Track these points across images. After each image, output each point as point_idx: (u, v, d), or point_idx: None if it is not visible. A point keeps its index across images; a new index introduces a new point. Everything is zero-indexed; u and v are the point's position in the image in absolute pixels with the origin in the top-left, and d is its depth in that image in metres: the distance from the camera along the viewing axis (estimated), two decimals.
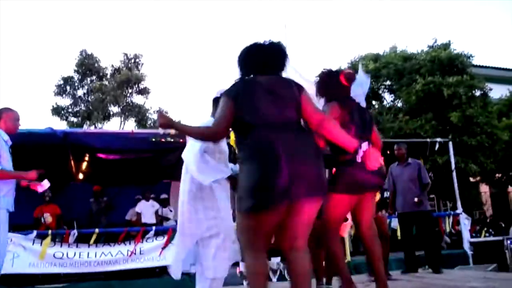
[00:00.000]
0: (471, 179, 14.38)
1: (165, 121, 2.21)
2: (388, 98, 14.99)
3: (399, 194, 5.79)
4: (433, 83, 12.10)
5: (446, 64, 12.59)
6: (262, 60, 2.30)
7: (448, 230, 8.73)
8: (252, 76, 2.30)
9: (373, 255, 2.96)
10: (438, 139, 9.56)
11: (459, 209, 9.05)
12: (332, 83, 3.05)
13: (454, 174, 9.50)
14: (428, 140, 9.54)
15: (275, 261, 6.14)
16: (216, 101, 2.90)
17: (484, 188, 17.60)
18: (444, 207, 15.55)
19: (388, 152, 6.83)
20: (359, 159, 2.22)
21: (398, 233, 6.21)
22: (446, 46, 13.49)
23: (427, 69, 12.67)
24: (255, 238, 2.14)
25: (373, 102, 14.55)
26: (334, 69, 3.25)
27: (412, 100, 12.57)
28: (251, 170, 2.05)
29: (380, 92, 14.79)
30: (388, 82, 14.39)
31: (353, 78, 3.07)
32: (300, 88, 2.27)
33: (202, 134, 2.30)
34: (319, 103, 3.12)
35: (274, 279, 6.03)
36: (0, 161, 3.63)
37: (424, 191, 5.77)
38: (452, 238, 9.27)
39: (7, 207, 3.66)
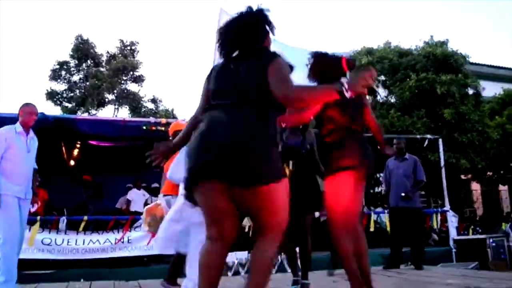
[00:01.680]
0: (463, 177, 14.51)
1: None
2: (382, 93, 15.04)
3: (393, 188, 5.84)
4: (426, 80, 12.14)
5: (441, 61, 12.62)
6: (229, 38, 2.19)
7: (435, 227, 8.82)
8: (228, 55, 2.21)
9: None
10: (428, 136, 9.63)
11: (447, 206, 9.16)
12: (331, 66, 2.90)
13: (443, 171, 9.60)
14: (418, 136, 9.61)
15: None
16: None
17: (475, 186, 17.73)
18: (434, 204, 15.69)
19: (378, 148, 6.89)
20: (348, 95, 1.93)
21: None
22: (443, 44, 13.52)
23: (422, 66, 12.70)
24: (206, 219, 2.09)
25: (367, 97, 14.57)
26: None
27: (405, 96, 12.61)
28: (189, 147, 2.09)
29: (374, 87, 14.82)
30: (382, 77, 14.42)
31: (354, 67, 2.96)
32: (269, 60, 2.05)
33: (191, 128, 2.26)
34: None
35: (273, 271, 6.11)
36: (3, 155, 3.91)
37: (416, 187, 5.81)
38: (441, 236, 9.37)
39: (15, 194, 3.90)
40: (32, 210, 4.24)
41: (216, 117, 2.03)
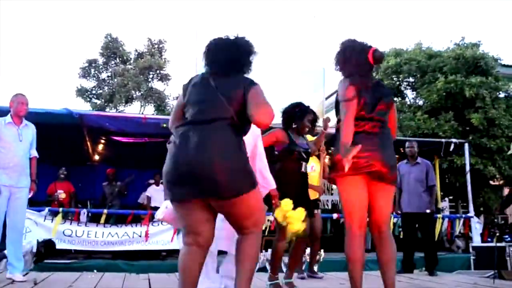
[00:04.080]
0: (492, 182, 14.04)
1: None
2: (410, 95, 14.76)
3: (404, 192, 5.75)
4: (455, 82, 11.82)
5: (470, 63, 12.27)
6: (212, 58, 2.29)
7: (457, 233, 8.60)
8: (208, 72, 2.30)
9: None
10: (454, 140, 9.38)
11: (471, 212, 8.92)
12: (357, 57, 2.71)
13: (468, 176, 9.34)
14: (443, 140, 9.38)
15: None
16: None
17: (507, 192, 17.13)
18: (463, 210, 15.26)
19: (402, 151, 6.77)
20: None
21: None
22: (475, 45, 13.15)
23: (451, 68, 12.38)
24: (184, 228, 2.23)
25: (395, 99, 14.35)
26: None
27: (433, 98, 12.34)
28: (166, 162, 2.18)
29: (402, 88, 14.57)
30: (411, 79, 14.16)
31: (382, 60, 2.81)
32: (249, 86, 2.16)
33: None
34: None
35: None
36: None
37: (431, 192, 5.71)
38: (468, 242, 9.13)
39: (4, 183, 4.07)
40: (29, 196, 4.36)
41: (191, 135, 2.10)
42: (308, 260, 5.20)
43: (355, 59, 2.73)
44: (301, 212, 3.30)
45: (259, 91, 2.17)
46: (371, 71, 2.83)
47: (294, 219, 3.26)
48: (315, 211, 4.93)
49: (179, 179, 2.09)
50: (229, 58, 2.25)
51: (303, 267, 5.13)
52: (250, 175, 2.17)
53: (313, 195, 4.38)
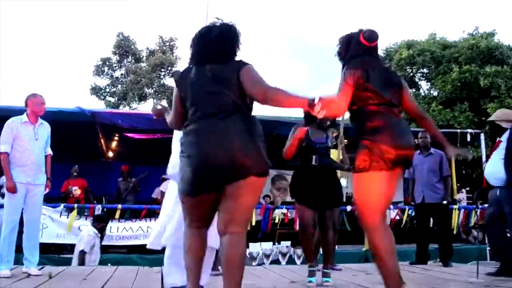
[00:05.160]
0: None
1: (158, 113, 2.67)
2: (424, 86, 14.60)
3: (418, 183, 5.68)
4: (469, 72, 11.64)
5: (485, 53, 12.05)
6: (203, 49, 2.27)
7: (472, 224, 8.48)
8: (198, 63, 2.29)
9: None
10: (469, 130, 9.23)
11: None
12: (351, 44, 2.74)
13: (484, 166, 9.16)
14: (459, 131, 9.23)
15: (285, 245, 6.24)
16: None
17: None
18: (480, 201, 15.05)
19: (416, 142, 6.70)
20: (316, 113, 2.04)
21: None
22: (489, 35, 12.92)
23: (465, 58, 12.19)
24: (189, 216, 2.25)
25: (409, 90, 14.18)
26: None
27: (448, 89, 12.17)
28: (181, 160, 2.20)
29: (416, 79, 14.40)
30: (425, 70, 13.99)
31: (374, 37, 2.74)
32: (241, 66, 2.19)
33: (169, 122, 2.47)
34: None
35: (283, 262, 6.14)
36: (12, 145, 4.16)
37: (446, 183, 5.64)
38: (485, 233, 9.00)
39: (21, 181, 4.15)
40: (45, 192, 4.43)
41: (206, 130, 2.12)
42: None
43: (347, 45, 2.77)
44: None
45: (251, 70, 2.19)
46: (371, 51, 2.75)
47: None
48: None
49: (200, 175, 2.10)
50: (220, 47, 2.24)
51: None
52: (264, 157, 2.15)
53: None
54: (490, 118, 4.41)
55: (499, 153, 4.11)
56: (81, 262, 5.52)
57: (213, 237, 2.81)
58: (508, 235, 4.30)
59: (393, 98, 2.65)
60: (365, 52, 2.71)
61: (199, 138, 2.12)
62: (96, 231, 5.82)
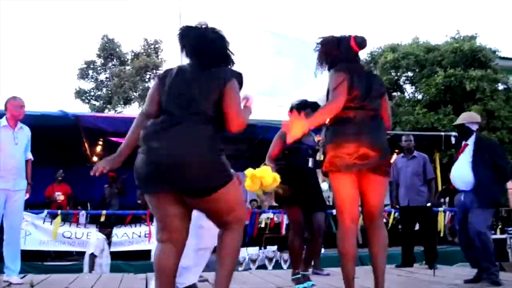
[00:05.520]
0: None
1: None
2: (409, 89, 14.74)
3: (402, 187, 5.71)
4: (454, 76, 11.80)
5: (468, 56, 12.24)
6: (194, 50, 2.21)
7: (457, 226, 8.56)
8: (188, 61, 2.25)
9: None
10: (453, 133, 9.33)
11: None
12: (341, 47, 2.73)
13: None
14: (442, 133, 9.33)
15: (271, 249, 6.21)
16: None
17: (511, 185, 17.06)
18: None
19: (400, 145, 6.74)
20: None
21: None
22: (471, 38, 13.12)
23: (449, 61, 12.36)
24: (158, 223, 2.16)
25: (394, 94, 14.34)
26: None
27: (432, 92, 12.32)
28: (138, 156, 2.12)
29: (401, 83, 14.55)
30: (409, 73, 14.14)
31: (365, 44, 2.78)
32: (227, 81, 2.13)
33: (136, 132, 2.25)
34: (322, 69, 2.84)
35: (270, 267, 6.11)
36: None
37: (430, 186, 5.68)
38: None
39: (1, 187, 4.06)
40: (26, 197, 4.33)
41: (165, 129, 2.06)
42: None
43: (337, 48, 2.74)
44: (266, 168, 3.11)
45: (234, 91, 2.13)
46: (358, 57, 2.81)
47: (263, 174, 3.02)
48: None
49: (152, 171, 2.03)
50: (209, 52, 2.19)
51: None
52: (223, 168, 2.09)
53: None
54: (457, 122, 4.27)
55: (466, 156, 4.01)
56: (92, 265, 5.47)
57: (208, 237, 2.80)
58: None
59: (373, 103, 2.70)
60: (353, 57, 2.75)
61: (155, 136, 2.06)
62: (104, 236, 5.79)
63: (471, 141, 4.05)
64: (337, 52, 2.74)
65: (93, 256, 5.49)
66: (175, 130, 2.04)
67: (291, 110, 3.76)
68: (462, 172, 4.00)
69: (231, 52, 2.26)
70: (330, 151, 2.65)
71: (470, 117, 4.22)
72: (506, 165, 3.97)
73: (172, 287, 2.11)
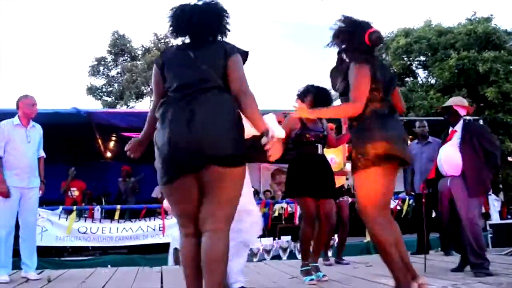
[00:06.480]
0: (511, 159, 13.76)
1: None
2: (422, 74, 14.52)
3: (417, 173, 5.62)
4: (467, 58, 11.56)
5: (482, 38, 11.97)
6: (185, 23, 2.15)
7: None
8: (180, 41, 2.21)
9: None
10: (468, 117, 9.15)
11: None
12: (355, 37, 2.68)
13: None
14: (467, 118, 9.15)
15: (285, 239, 6.20)
16: None
17: None
18: None
19: (414, 130, 6.65)
20: (264, 142, 2.06)
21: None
22: (487, 20, 12.82)
23: (462, 44, 12.10)
24: (177, 217, 2.14)
25: (406, 79, 14.13)
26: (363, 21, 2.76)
27: (445, 76, 12.10)
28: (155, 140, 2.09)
29: (414, 68, 14.32)
30: (422, 58, 13.90)
31: (380, 41, 2.72)
32: (230, 53, 2.09)
33: (152, 122, 2.26)
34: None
35: (284, 257, 6.11)
36: (5, 148, 4.12)
37: None
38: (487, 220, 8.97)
39: (15, 185, 4.12)
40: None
41: (182, 109, 2.01)
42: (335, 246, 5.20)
43: (350, 38, 2.69)
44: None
45: (238, 62, 2.10)
46: (370, 52, 2.73)
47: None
48: (342, 198, 5.04)
49: (175, 155, 1.98)
50: (205, 26, 2.13)
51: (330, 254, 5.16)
52: (242, 144, 2.04)
53: (338, 182, 4.33)
54: (446, 104, 4.04)
55: (454, 142, 3.81)
56: (176, 259, 5.57)
57: (244, 232, 2.78)
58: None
59: (391, 96, 2.70)
60: (368, 49, 2.69)
61: (173, 117, 2.01)
62: None
63: (458, 127, 3.86)
64: (350, 38, 2.70)
65: (177, 251, 5.59)
66: (192, 109, 1.98)
67: (298, 99, 3.73)
68: (450, 156, 3.80)
69: (226, 26, 2.18)
70: (359, 147, 2.59)
71: (460, 101, 4.04)
72: (496, 152, 3.77)
73: (200, 280, 2.06)
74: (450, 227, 3.91)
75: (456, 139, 3.82)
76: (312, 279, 3.51)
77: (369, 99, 2.58)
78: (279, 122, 4.40)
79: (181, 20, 2.15)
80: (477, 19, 13.16)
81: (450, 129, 3.96)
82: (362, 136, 2.60)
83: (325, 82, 3.79)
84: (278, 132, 2.43)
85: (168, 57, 2.19)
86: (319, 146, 3.73)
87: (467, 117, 8.88)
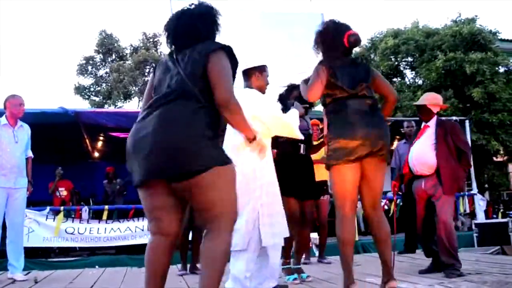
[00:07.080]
0: (496, 159, 13.97)
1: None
2: (409, 75, 14.66)
3: None
4: (454, 60, 11.71)
5: (468, 39, 12.14)
6: (174, 32, 2.13)
7: (461, 211, 8.56)
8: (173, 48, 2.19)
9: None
10: (454, 118, 9.29)
11: (474, 190, 8.89)
12: (334, 38, 2.78)
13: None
14: (444, 118, 9.27)
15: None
16: (245, 73, 3.05)
17: None
18: (468, 188, 15.16)
19: (402, 131, 6.71)
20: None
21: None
22: (471, 21, 13.00)
23: (449, 45, 12.26)
24: (148, 215, 2.05)
25: (394, 79, 14.25)
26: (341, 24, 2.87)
27: (432, 77, 12.24)
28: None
29: (401, 68, 14.46)
30: (409, 59, 14.04)
31: (357, 43, 2.81)
32: (210, 50, 2.00)
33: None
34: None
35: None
36: None
37: None
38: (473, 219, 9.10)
39: (2, 185, 4.09)
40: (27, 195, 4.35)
41: (147, 117, 1.98)
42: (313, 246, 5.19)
43: (331, 40, 2.81)
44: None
45: (219, 62, 1.99)
46: (347, 52, 2.86)
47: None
48: (322, 197, 4.91)
49: (136, 161, 1.93)
50: (188, 29, 2.09)
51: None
52: (208, 152, 1.89)
53: (320, 174, 4.19)
54: (419, 102, 3.90)
55: (427, 139, 3.70)
56: None
57: (267, 235, 2.76)
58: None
59: (363, 90, 2.75)
60: (341, 51, 2.81)
61: (138, 125, 1.98)
62: None
63: (432, 123, 3.76)
64: (329, 42, 2.82)
65: None
66: (155, 115, 1.93)
67: (280, 98, 3.76)
68: (422, 155, 3.68)
69: (213, 27, 2.15)
70: (330, 142, 2.73)
71: (434, 98, 3.88)
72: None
73: (160, 281, 1.96)
74: (424, 230, 3.81)
75: (428, 135, 3.74)
76: (295, 278, 3.52)
77: (331, 98, 2.77)
78: (316, 125, 4.46)
79: (168, 28, 2.16)
80: (462, 20, 13.35)
81: (423, 124, 3.88)
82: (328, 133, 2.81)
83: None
84: (292, 131, 2.86)
85: (161, 62, 2.19)
86: (302, 146, 3.68)
87: (454, 118, 9.07)
